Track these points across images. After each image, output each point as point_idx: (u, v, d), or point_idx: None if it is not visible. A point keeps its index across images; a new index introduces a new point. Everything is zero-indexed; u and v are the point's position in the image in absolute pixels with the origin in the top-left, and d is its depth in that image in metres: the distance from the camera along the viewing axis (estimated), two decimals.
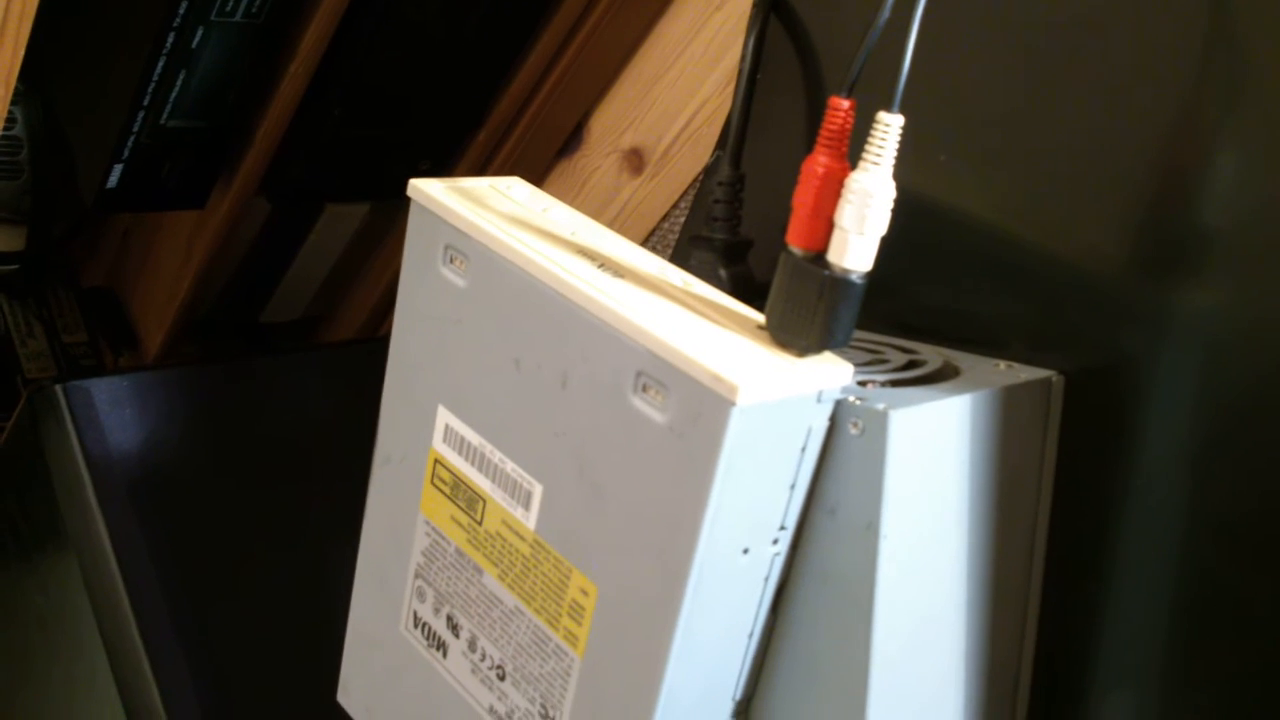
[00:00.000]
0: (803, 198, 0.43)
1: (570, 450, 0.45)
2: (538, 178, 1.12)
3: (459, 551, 0.50)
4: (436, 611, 0.52)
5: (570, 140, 1.11)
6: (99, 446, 0.87)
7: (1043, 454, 0.50)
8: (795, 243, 0.43)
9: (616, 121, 1.07)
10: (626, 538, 0.43)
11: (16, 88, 0.80)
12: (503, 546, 0.48)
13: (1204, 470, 0.46)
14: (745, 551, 0.43)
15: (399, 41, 0.94)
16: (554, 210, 0.50)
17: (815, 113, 0.59)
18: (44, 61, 0.95)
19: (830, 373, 0.42)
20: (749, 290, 0.55)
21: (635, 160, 1.06)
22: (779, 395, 0.41)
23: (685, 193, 1.03)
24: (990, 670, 0.49)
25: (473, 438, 0.49)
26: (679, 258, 0.57)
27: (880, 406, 0.43)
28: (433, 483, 0.51)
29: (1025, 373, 0.49)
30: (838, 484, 0.44)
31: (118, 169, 0.93)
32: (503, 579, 0.48)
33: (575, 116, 1.09)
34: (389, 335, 0.52)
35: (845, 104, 0.43)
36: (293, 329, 1.28)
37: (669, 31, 1.02)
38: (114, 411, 0.88)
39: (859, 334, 0.53)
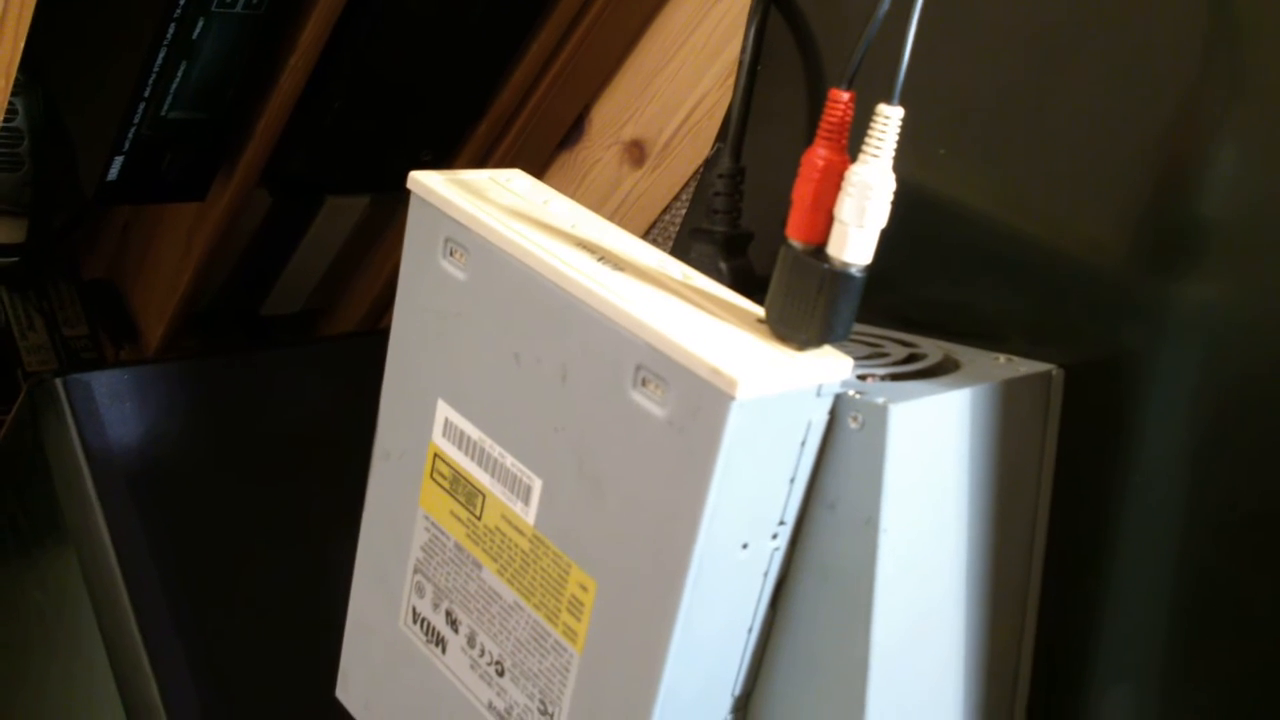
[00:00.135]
0: (802, 190, 0.43)
1: (570, 445, 0.45)
2: (539, 170, 1.12)
3: (458, 546, 0.50)
4: (435, 607, 0.52)
5: (571, 132, 1.10)
6: (99, 440, 0.87)
7: (1042, 448, 0.50)
8: (795, 236, 0.43)
9: (618, 113, 1.07)
10: (626, 532, 0.43)
11: (17, 79, 0.80)
12: (502, 541, 0.48)
13: (1204, 464, 0.46)
14: (745, 546, 0.43)
15: (400, 33, 0.94)
16: (554, 203, 0.50)
17: (816, 105, 0.59)
18: (44, 53, 0.95)
19: (830, 366, 0.42)
20: (749, 283, 0.55)
21: (636, 152, 1.05)
22: (778, 389, 0.41)
23: (686, 185, 1.03)
24: (990, 665, 0.49)
25: (472, 432, 0.49)
26: (679, 250, 0.57)
27: (880, 400, 0.43)
28: (432, 477, 0.51)
29: (1025, 366, 0.49)
30: (837, 478, 0.44)
31: (118, 161, 0.92)
32: (502, 574, 0.48)
33: (576, 108, 1.09)
34: (389, 328, 0.52)
35: (845, 96, 0.42)
36: (293, 322, 1.28)
37: (670, 23, 1.02)
38: (114, 405, 0.88)
39: (859, 327, 0.53)
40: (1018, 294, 0.51)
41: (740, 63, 0.59)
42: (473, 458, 0.49)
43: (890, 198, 0.42)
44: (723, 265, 0.57)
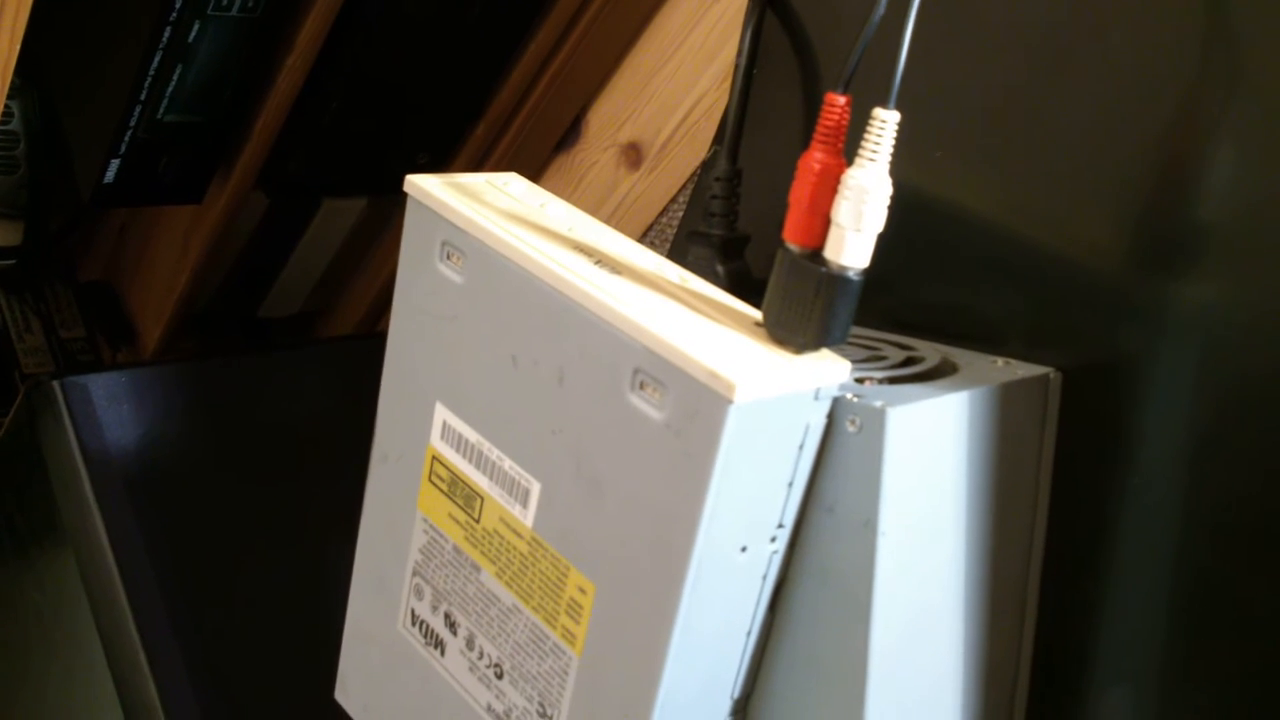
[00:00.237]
0: (799, 194, 0.43)
1: (568, 448, 0.45)
2: (535, 172, 1.12)
3: (457, 549, 0.50)
4: (434, 609, 0.52)
5: (568, 134, 1.10)
6: (96, 442, 0.86)
7: (1040, 451, 0.50)
8: (792, 239, 0.43)
9: (614, 115, 1.07)
10: (624, 535, 0.43)
11: (13, 82, 0.80)
12: (500, 544, 0.48)
13: (1201, 467, 0.46)
14: (743, 549, 0.43)
15: (397, 34, 0.94)
16: (551, 206, 0.50)
17: (813, 107, 0.59)
18: (41, 56, 0.95)
19: (828, 370, 0.42)
20: (746, 286, 0.55)
21: (633, 154, 1.05)
22: (776, 392, 0.41)
23: (683, 187, 1.03)
24: (989, 667, 0.49)
25: (470, 435, 0.49)
26: (676, 253, 0.57)
27: (878, 404, 0.43)
28: (430, 480, 0.51)
29: (1023, 369, 0.49)
30: (835, 481, 0.44)
31: (115, 164, 0.92)
32: (500, 577, 0.48)
33: (573, 110, 1.09)
34: (387, 330, 0.52)
35: (841, 100, 0.43)
36: (291, 324, 1.28)
37: (667, 25, 1.02)
38: (111, 407, 0.88)
39: (856, 330, 0.53)
40: (1015, 297, 0.51)
41: (736, 66, 0.59)
42: (471, 461, 0.49)
43: (887, 202, 0.42)
44: (720, 268, 0.57)
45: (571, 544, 0.45)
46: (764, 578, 0.45)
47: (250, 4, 0.86)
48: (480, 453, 0.48)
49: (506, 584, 0.48)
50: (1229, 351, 0.45)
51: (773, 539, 0.44)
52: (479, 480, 0.48)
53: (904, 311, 0.54)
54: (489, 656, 0.49)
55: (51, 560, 0.88)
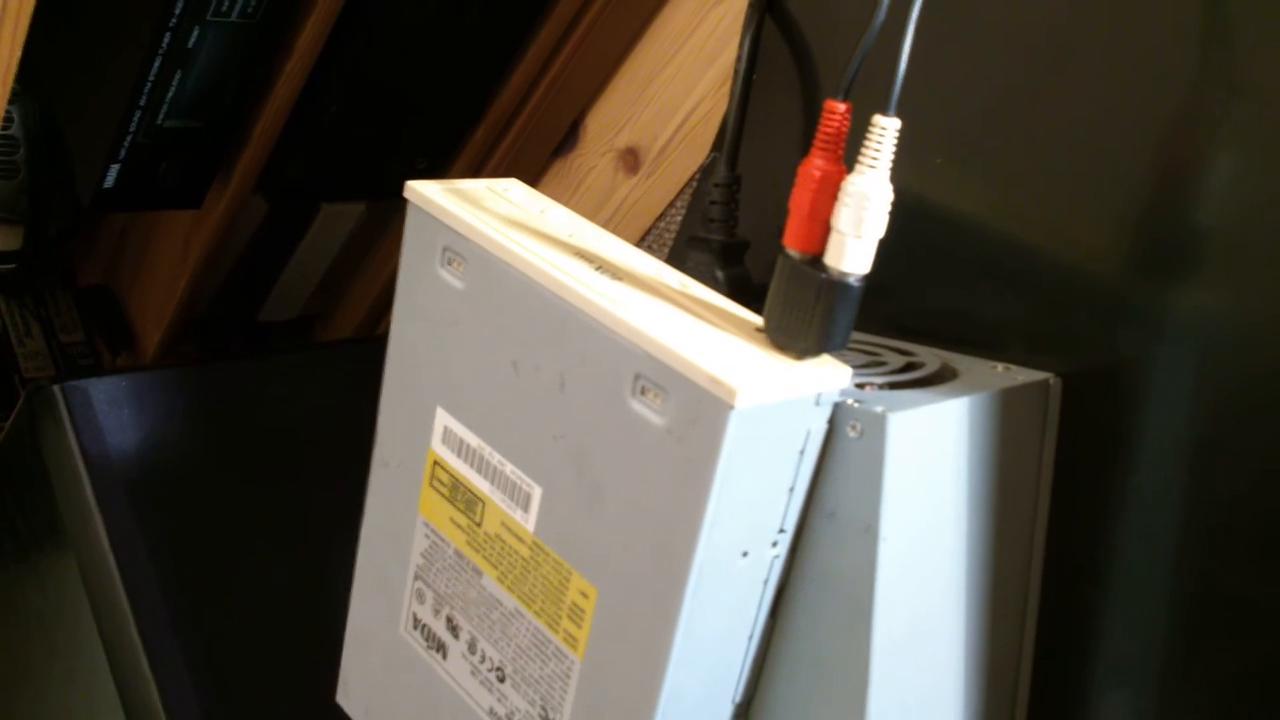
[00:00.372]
0: (799, 201, 0.43)
1: (569, 453, 0.45)
2: (534, 177, 1.12)
3: (458, 553, 0.50)
4: (436, 613, 0.52)
5: (566, 139, 1.11)
6: (97, 446, 0.87)
7: (1041, 456, 0.50)
8: (792, 245, 0.43)
9: (612, 120, 1.07)
10: (626, 540, 0.43)
11: (13, 87, 0.80)
12: (502, 548, 0.48)
13: (1201, 471, 0.46)
14: (745, 554, 0.43)
15: (395, 39, 0.94)
16: (551, 212, 0.50)
17: (812, 113, 0.59)
18: (41, 61, 0.95)
19: (828, 375, 0.43)
20: (746, 292, 0.55)
21: (631, 159, 1.06)
22: (777, 398, 0.41)
23: (681, 192, 1.03)
24: (990, 671, 0.50)
25: (471, 439, 0.49)
26: (676, 259, 0.57)
27: (879, 409, 0.43)
28: (431, 484, 0.51)
29: (1023, 375, 0.49)
30: (836, 486, 0.44)
31: (114, 169, 0.93)
32: (502, 581, 0.48)
33: (571, 115, 1.09)
34: (387, 334, 0.52)
35: (841, 107, 0.43)
36: (290, 328, 1.28)
37: (665, 29, 1.02)
38: (112, 411, 0.88)
39: (857, 336, 0.53)
40: (1015, 302, 0.51)
41: (736, 71, 0.59)
42: (472, 465, 0.49)
43: (887, 208, 0.42)
44: (719, 274, 0.57)
45: (573, 548, 0.45)
46: (765, 582, 0.45)
47: (249, 9, 0.86)
48: (481, 457, 0.48)
49: (508, 588, 0.48)
50: (1228, 355, 0.46)
51: (774, 544, 0.44)
52: (480, 485, 0.49)
53: (904, 317, 0.54)
54: (491, 660, 0.50)
55: (53, 564, 0.88)
